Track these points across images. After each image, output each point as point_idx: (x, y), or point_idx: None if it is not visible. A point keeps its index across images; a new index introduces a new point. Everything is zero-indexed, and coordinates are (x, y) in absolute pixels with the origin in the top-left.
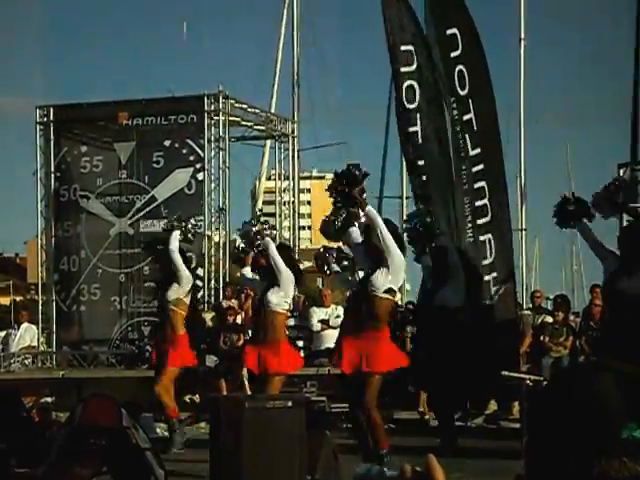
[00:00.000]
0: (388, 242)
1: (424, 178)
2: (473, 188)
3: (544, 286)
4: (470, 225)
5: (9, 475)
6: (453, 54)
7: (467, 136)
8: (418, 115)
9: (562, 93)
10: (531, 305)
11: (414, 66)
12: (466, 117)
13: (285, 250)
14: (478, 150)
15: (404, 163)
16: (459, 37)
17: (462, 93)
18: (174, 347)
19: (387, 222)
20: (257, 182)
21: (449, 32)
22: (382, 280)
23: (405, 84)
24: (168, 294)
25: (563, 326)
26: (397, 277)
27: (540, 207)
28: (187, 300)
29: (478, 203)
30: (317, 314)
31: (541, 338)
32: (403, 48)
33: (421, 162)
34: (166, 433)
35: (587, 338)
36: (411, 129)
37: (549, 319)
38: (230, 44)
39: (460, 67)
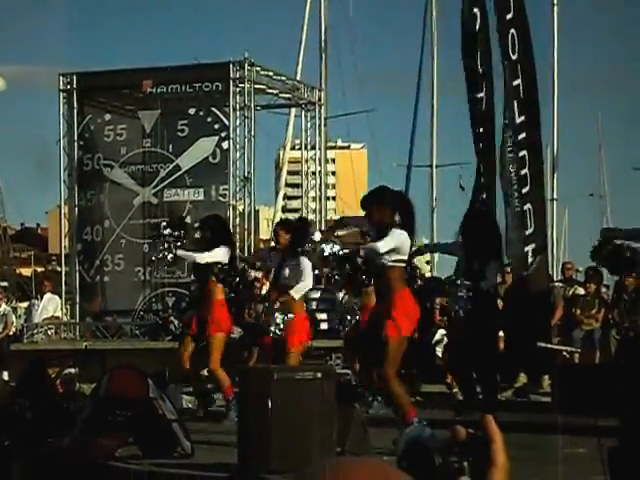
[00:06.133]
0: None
1: (481, 146)
2: (518, 157)
3: (573, 258)
4: (516, 194)
5: (36, 445)
6: (508, 16)
7: (515, 102)
8: (484, 82)
9: (594, 59)
10: (562, 277)
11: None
12: (515, 82)
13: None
14: (523, 118)
15: (434, 131)
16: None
17: (513, 58)
18: (212, 314)
19: (403, 199)
20: (281, 151)
21: None
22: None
23: (480, 49)
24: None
25: (595, 298)
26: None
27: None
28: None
29: (522, 172)
30: None
31: (572, 310)
32: (475, 10)
33: (481, 129)
34: (190, 405)
35: (619, 310)
36: (478, 95)
37: (580, 291)
38: (257, 10)
39: (512, 31)
